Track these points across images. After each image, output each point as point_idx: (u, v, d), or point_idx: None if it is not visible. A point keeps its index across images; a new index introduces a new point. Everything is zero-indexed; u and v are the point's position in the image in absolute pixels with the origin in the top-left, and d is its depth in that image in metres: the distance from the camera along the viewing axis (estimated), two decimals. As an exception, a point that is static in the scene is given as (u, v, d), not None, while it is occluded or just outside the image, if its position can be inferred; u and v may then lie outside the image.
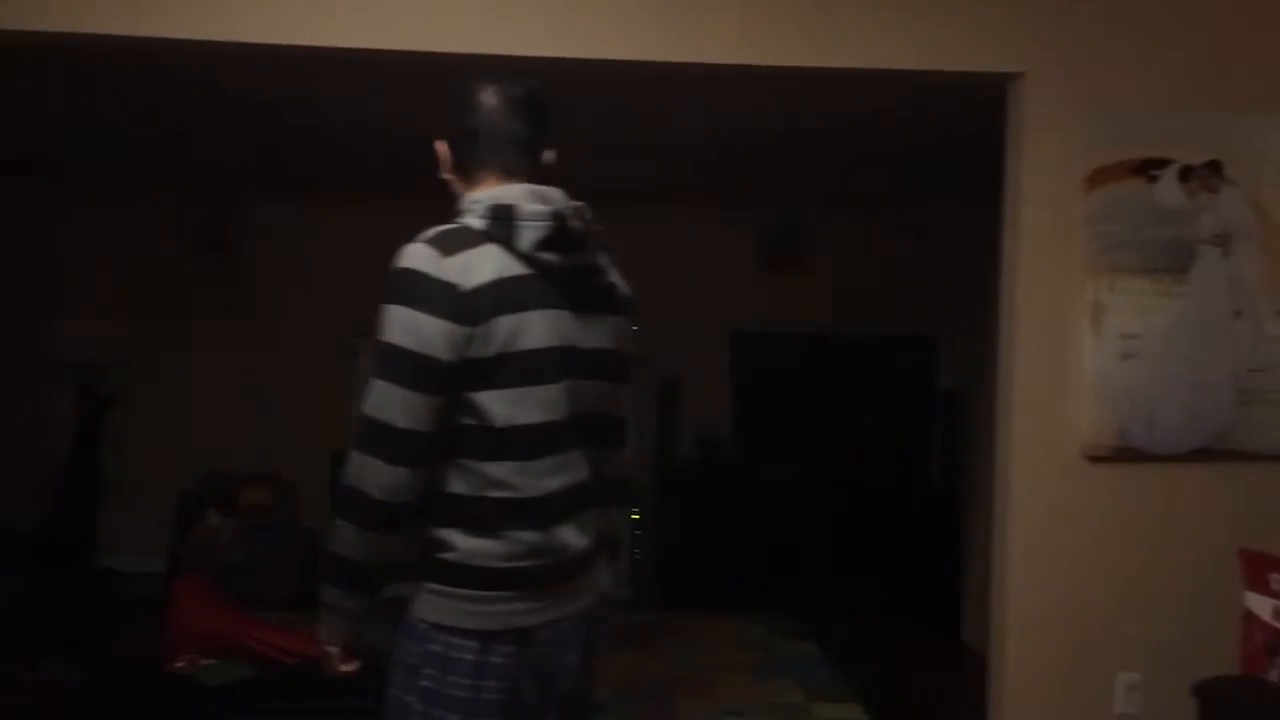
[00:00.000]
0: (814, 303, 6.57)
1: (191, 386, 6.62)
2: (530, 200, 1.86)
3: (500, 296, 1.80)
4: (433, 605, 1.85)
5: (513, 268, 1.83)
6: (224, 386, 6.63)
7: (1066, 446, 3.16)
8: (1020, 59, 3.14)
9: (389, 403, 1.77)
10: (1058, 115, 3.15)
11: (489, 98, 1.94)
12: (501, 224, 1.84)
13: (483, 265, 1.80)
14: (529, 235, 1.84)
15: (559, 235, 1.86)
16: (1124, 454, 3.15)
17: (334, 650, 1.92)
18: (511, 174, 1.92)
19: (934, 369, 6.34)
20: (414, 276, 1.78)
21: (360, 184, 6.27)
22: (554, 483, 1.87)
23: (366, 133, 5.40)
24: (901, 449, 6.36)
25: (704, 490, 6.33)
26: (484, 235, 1.83)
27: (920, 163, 5.95)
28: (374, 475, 1.77)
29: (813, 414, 6.37)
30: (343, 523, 1.82)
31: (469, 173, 1.95)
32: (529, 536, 1.85)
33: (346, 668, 1.94)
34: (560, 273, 1.88)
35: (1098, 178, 3.13)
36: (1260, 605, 2.82)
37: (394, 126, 5.19)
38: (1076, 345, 3.15)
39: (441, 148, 1.99)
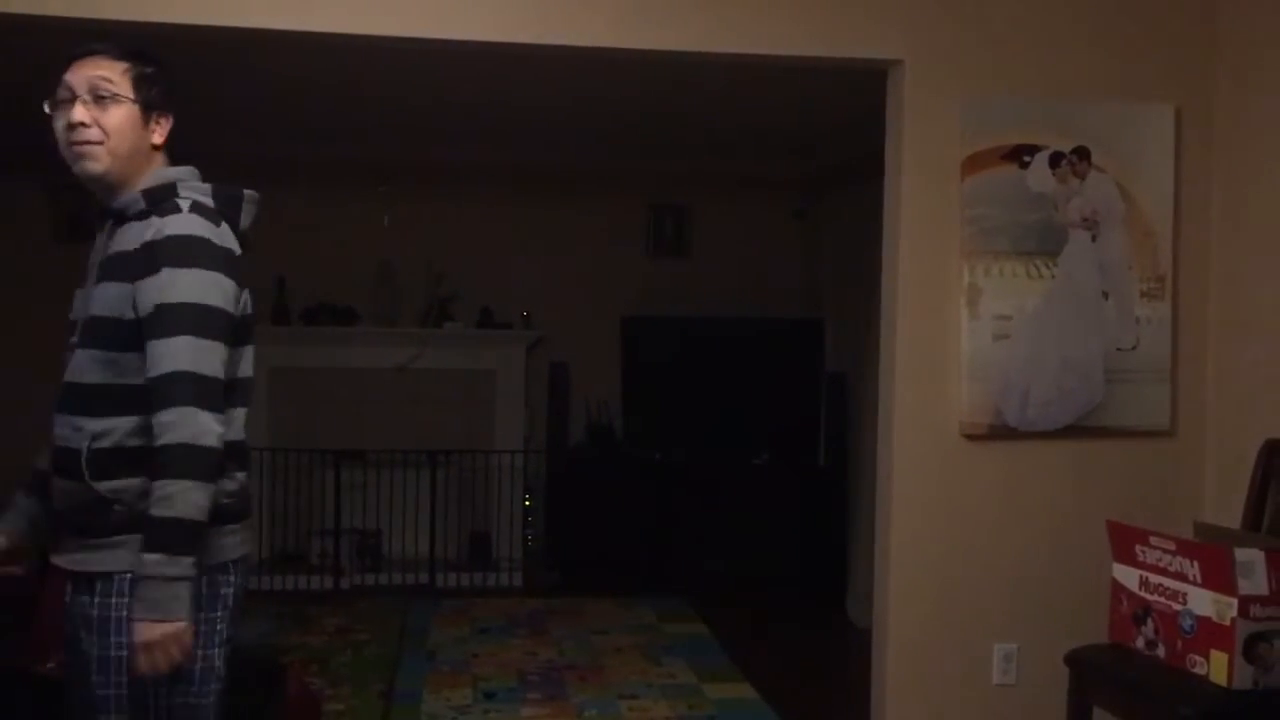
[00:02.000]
0: (702, 287, 6.61)
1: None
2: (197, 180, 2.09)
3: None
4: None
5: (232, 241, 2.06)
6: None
7: (945, 425, 3.24)
8: (899, 46, 3.19)
9: (207, 357, 1.91)
10: (936, 102, 3.21)
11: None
12: (229, 204, 2.07)
13: (229, 237, 2.03)
14: (248, 216, 2.11)
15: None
16: (999, 432, 3.24)
17: (186, 624, 1.88)
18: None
19: (820, 352, 6.44)
20: (203, 242, 1.95)
21: (234, 168, 6.09)
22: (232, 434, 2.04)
23: (237, 113, 5.23)
24: (789, 431, 6.45)
25: (594, 473, 6.32)
26: (218, 213, 2.05)
27: (803, 147, 6.03)
28: (207, 425, 1.88)
29: (702, 397, 6.41)
30: (189, 484, 1.84)
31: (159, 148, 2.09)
32: (242, 476, 2.07)
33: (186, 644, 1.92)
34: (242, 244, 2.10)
35: (973, 163, 3.21)
36: (1127, 576, 2.93)
37: (261, 105, 5.05)
38: (954, 327, 3.22)
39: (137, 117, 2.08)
